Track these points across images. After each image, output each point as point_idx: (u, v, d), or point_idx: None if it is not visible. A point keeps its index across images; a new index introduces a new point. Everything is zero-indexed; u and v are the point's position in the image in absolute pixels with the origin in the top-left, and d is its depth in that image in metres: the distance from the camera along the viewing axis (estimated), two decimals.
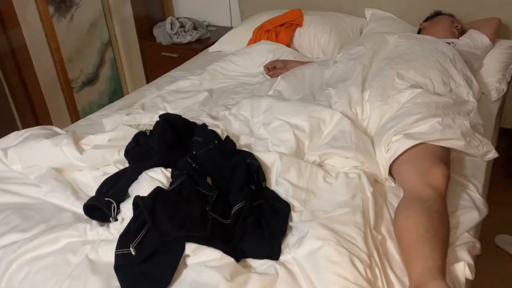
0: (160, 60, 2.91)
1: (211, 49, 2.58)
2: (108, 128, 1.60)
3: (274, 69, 2.09)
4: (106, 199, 1.11)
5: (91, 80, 2.80)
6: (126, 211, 1.11)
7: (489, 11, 2.17)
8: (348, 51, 1.86)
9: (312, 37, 2.31)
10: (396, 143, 1.31)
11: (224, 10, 3.09)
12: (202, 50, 2.72)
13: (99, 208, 1.13)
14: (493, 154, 1.41)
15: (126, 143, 1.43)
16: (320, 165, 1.38)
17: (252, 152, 1.32)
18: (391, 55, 1.72)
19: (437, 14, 2.19)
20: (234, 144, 1.31)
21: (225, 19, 3.14)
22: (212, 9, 3.14)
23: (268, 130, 1.44)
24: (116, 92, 3.00)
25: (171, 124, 1.33)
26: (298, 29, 2.34)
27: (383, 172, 1.35)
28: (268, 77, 2.09)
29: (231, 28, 3.10)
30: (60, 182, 1.31)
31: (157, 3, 3.16)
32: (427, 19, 2.20)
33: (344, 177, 1.30)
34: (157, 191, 1.05)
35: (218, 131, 1.37)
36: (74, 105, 2.66)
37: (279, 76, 1.82)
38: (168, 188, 1.10)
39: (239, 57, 2.20)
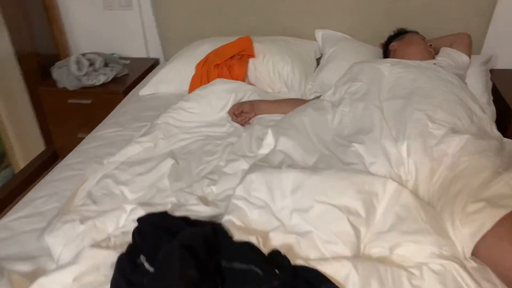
0: (66, 109, 2.26)
1: (143, 92, 2.03)
2: (59, 253, 1.03)
3: (241, 114, 1.69)
4: None
5: None
6: None
7: (450, 25, 2.03)
8: (342, 88, 1.53)
9: (270, 68, 1.92)
10: (480, 215, 1.02)
11: (136, 37, 2.55)
12: (124, 92, 2.17)
13: None
14: None
15: (101, 277, 0.92)
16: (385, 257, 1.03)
17: (308, 264, 0.91)
18: (400, 91, 1.43)
19: (402, 32, 1.97)
20: (288, 262, 0.88)
21: (139, 49, 2.59)
22: (120, 38, 2.57)
23: (309, 219, 1.04)
24: None
25: (189, 247, 0.85)
26: (251, 60, 1.95)
27: (461, 251, 1.05)
28: (236, 124, 1.67)
29: (150, 58, 2.59)
30: None
31: (46, 37, 2.49)
32: (392, 38, 1.97)
33: (430, 273, 0.97)
34: None
35: (252, 239, 0.93)
36: None
37: (269, 129, 1.41)
38: None
39: (192, 102, 1.72)
